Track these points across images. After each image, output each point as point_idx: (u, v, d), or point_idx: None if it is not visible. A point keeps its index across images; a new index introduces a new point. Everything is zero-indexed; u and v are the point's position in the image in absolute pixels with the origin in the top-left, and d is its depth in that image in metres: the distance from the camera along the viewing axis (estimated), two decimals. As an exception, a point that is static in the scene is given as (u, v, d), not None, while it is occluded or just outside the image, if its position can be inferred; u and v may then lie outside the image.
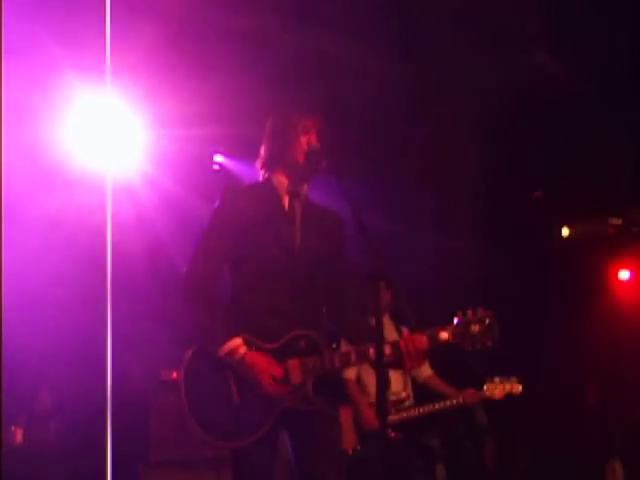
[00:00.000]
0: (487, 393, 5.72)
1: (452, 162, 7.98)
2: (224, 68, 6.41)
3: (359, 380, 5.84)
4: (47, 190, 6.44)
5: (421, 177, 8.35)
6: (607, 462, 8.03)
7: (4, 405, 6.04)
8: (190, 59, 6.38)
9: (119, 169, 6.58)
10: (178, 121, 6.56)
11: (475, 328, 3.33)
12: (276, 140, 3.51)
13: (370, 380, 5.76)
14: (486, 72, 6.94)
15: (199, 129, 6.70)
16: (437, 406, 5.75)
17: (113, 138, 6.51)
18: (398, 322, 5.96)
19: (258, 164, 3.58)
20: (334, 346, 3.46)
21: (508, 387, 5.71)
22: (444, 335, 3.34)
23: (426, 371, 6.02)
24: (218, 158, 7.54)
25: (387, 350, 3.27)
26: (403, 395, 5.80)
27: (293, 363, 3.27)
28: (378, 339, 3.04)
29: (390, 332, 5.69)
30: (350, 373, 5.75)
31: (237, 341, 3.25)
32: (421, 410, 5.74)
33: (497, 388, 5.70)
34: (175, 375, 6.46)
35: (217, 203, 3.46)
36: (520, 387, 5.71)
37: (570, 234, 8.98)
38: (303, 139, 3.45)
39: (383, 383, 3.09)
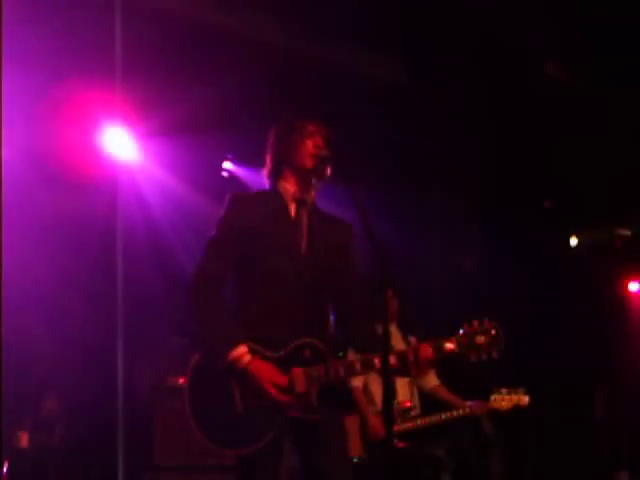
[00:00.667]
0: (494, 404, 5.69)
1: (460, 171, 7.98)
2: (232, 75, 6.43)
3: (366, 388, 5.83)
4: (58, 194, 6.47)
5: (429, 186, 8.35)
6: (614, 473, 8.01)
7: (10, 408, 6.06)
8: (200, 65, 6.40)
9: (129, 174, 6.61)
10: (188, 127, 6.58)
11: (481, 339, 3.32)
12: (282, 146, 3.51)
13: (377, 389, 5.74)
14: (495, 81, 6.95)
15: (209, 135, 6.71)
16: (444, 416, 5.72)
17: (122, 143, 6.54)
18: (406, 332, 5.94)
19: (264, 173, 3.58)
20: (340, 355, 3.45)
21: (515, 398, 5.67)
22: (449, 346, 3.33)
23: (432, 381, 6.00)
24: (227, 165, 7.56)
25: (392, 360, 3.26)
26: (409, 405, 5.78)
27: (297, 372, 3.26)
28: (385, 348, 3.04)
29: (397, 341, 5.67)
30: (357, 381, 5.73)
31: (242, 349, 3.24)
32: (427, 420, 5.72)
33: (504, 399, 5.67)
34: (182, 380, 6.47)
35: (224, 210, 3.46)
36: (527, 398, 5.67)
37: (579, 244, 8.96)
38: (309, 143, 3.45)
39: (389, 392, 3.09)
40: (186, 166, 6.94)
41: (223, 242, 3.41)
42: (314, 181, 3.48)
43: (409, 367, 3.28)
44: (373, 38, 6.66)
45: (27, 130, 5.95)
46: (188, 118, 6.41)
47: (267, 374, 3.23)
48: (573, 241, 8.89)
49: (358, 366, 3.31)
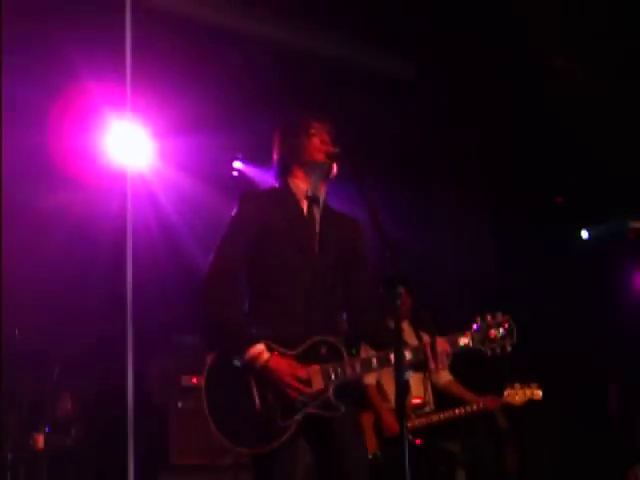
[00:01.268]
0: (508, 399, 5.69)
1: (471, 169, 7.97)
2: (242, 75, 6.45)
3: (379, 385, 5.84)
4: (69, 194, 6.49)
5: (438, 184, 8.35)
6: (629, 467, 7.98)
7: (26, 410, 6.09)
8: (210, 65, 6.41)
9: (140, 174, 6.63)
10: (198, 126, 6.59)
11: (494, 333, 3.34)
12: (289, 143, 3.52)
13: (390, 385, 5.75)
14: (506, 76, 6.94)
15: (219, 135, 6.72)
16: (458, 412, 5.73)
17: (134, 143, 6.56)
18: (418, 329, 5.94)
19: (273, 172, 3.58)
20: (353, 352, 3.45)
21: (529, 393, 5.68)
22: (464, 340, 3.34)
23: (446, 376, 6.00)
24: (237, 164, 7.57)
25: (407, 355, 3.27)
26: (422, 400, 5.79)
27: (314, 369, 3.26)
28: (397, 343, 3.05)
29: (410, 338, 5.65)
30: (370, 378, 5.74)
31: (260, 347, 3.25)
32: (442, 416, 5.72)
33: (518, 394, 5.68)
34: (195, 380, 6.49)
35: (235, 209, 3.47)
36: (541, 393, 5.68)
37: (589, 237, 8.92)
38: (315, 139, 3.46)
39: (403, 388, 3.09)
40: (198, 164, 6.95)
41: (237, 240, 3.41)
42: (323, 177, 3.49)
43: (427, 360, 3.29)
44: (380, 34, 6.66)
45: (37, 130, 5.98)
46: (199, 117, 6.42)
47: (289, 368, 3.23)
48: (584, 234, 8.85)
49: (374, 362, 3.32)
